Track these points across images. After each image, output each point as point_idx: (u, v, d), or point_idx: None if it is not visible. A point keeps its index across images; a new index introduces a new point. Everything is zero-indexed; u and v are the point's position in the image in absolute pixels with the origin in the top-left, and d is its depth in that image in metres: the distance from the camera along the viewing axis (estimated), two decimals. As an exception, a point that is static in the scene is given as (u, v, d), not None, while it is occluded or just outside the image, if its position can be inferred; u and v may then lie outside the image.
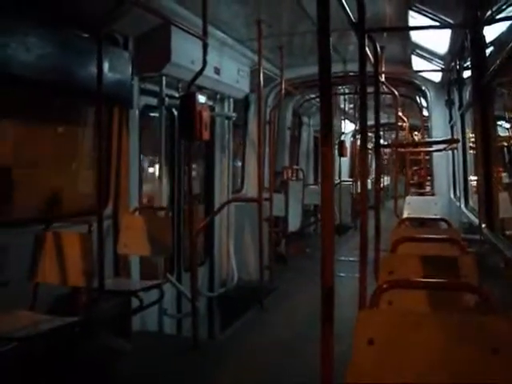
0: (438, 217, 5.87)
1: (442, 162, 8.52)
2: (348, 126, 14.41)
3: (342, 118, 13.15)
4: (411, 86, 8.95)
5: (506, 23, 4.26)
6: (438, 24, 5.52)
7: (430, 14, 5.30)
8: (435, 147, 8.25)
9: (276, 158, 9.37)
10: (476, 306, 2.46)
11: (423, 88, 8.65)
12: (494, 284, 3.34)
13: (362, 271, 3.51)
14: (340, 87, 10.79)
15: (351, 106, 13.61)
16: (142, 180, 5.97)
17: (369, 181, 10.70)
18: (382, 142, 9.89)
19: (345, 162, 14.44)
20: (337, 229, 10.61)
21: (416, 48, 7.18)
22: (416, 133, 17.53)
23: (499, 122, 5.29)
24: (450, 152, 7.99)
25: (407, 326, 1.86)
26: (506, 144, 5.46)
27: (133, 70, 5.20)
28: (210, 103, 6.77)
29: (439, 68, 7.74)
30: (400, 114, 10.15)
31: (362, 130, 3.80)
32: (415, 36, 6.56)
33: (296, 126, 12.00)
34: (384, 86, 7.53)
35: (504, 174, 5.36)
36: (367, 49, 3.78)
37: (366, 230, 3.64)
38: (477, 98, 4.96)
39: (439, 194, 8.36)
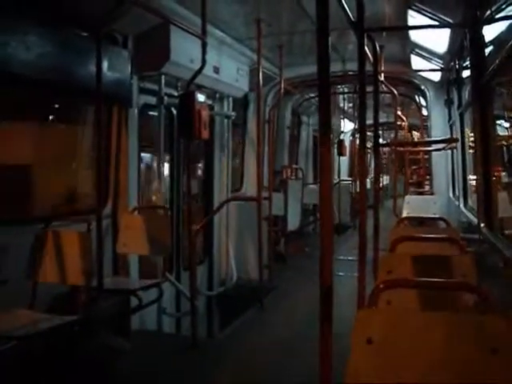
0: (437, 216, 5.85)
1: (441, 162, 8.51)
2: (347, 125, 14.39)
3: (342, 117, 13.13)
4: (410, 85, 8.94)
5: (505, 23, 4.26)
6: (437, 23, 5.51)
7: (430, 13, 5.30)
8: (434, 146, 8.23)
9: (275, 157, 9.37)
10: (475, 306, 2.46)
11: (422, 87, 8.64)
12: (492, 283, 3.33)
13: (360, 270, 3.52)
14: (339, 86, 10.77)
15: (350, 105, 13.59)
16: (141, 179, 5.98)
17: (368, 180, 10.77)
18: (381, 141, 9.93)
19: (344, 161, 14.40)
20: (336, 228, 10.66)
21: (415, 47, 7.17)
22: (415, 132, 17.51)
23: (498, 122, 5.30)
24: (449, 151, 7.98)
25: (406, 326, 1.86)
26: (505, 143, 5.47)
27: (132, 68, 5.20)
28: (209, 102, 6.78)
29: (438, 67, 7.74)
30: (399, 113, 10.16)
31: (361, 130, 3.81)
32: (414, 35, 6.55)
33: (295, 125, 12.00)
34: (383, 86, 7.52)
35: (503, 174, 5.37)
36: (366, 48, 3.78)
37: (364, 229, 3.65)
38: (476, 98, 4.96)
39: (438, 194, 8.34)
